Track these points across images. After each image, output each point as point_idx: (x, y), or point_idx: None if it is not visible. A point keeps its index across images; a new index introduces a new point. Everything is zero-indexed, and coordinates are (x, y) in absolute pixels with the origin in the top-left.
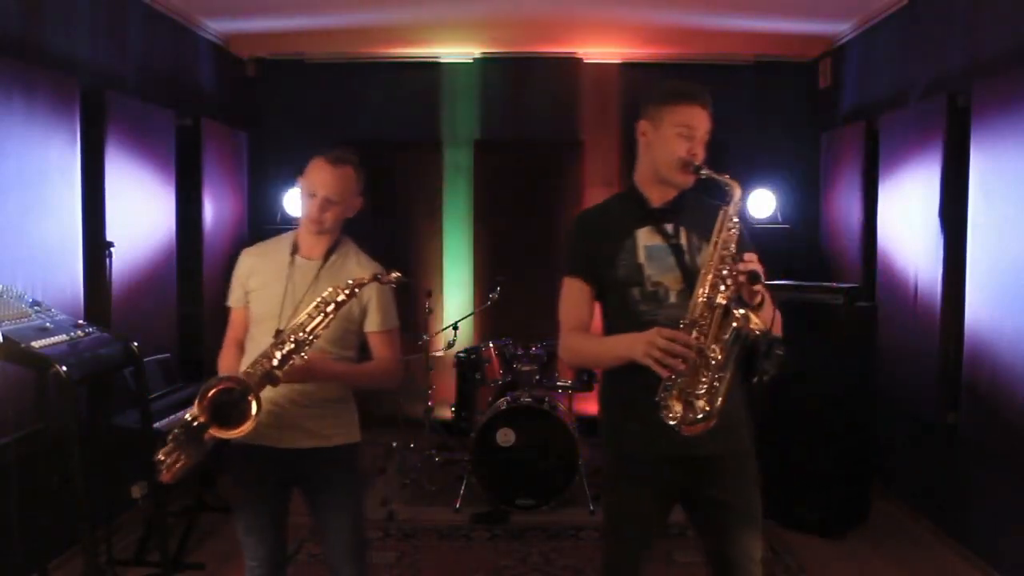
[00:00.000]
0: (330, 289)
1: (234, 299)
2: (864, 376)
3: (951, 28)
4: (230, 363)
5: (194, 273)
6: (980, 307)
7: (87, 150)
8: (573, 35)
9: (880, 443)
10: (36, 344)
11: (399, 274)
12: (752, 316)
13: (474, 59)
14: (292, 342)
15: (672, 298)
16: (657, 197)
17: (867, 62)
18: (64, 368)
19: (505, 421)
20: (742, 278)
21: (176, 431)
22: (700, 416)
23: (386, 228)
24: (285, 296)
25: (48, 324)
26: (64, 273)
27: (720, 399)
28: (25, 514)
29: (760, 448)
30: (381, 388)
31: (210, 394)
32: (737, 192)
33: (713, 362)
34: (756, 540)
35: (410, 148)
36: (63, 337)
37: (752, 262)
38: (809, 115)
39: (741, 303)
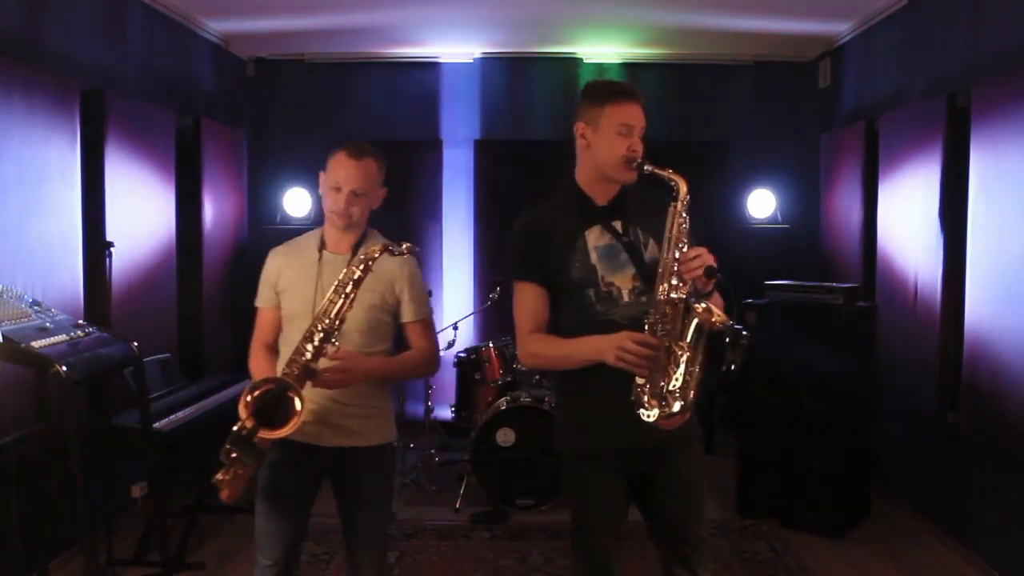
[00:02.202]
0: (345, 270)
1: (263, 299)
2: (864, 376)
3: (951, 28)
4: (262, 366)
5: (194, 273)
6: (980, 307)
7: (87, 150)
8: (573, 35)
9: (880, 443)
10: (36, 344)
11: (409, 244)
12: (713, 309)
13: (474, 59)
14: (320, 331)
15: (625, 297)
16: (601, 195)
17: (867, 62)
18: (64, 368)
19: (505, 421)
20: (699, 272)
21: (227, 447)
22: (676, 410)
23: (386, 228)
24: (316, 293)
25: (48, 324)
26: (64, 273)
27: (692, 392)
28: (25, 514)
29: (761, 448)
30: (420, 376)
31: (252, 398)
32: (683, 187)
33: (683, 357)
34: (706, 515)
35: (410, 148)
36: (63, 337)
37: (704, 254)
38: (809, 115)
39: (697, 294)
